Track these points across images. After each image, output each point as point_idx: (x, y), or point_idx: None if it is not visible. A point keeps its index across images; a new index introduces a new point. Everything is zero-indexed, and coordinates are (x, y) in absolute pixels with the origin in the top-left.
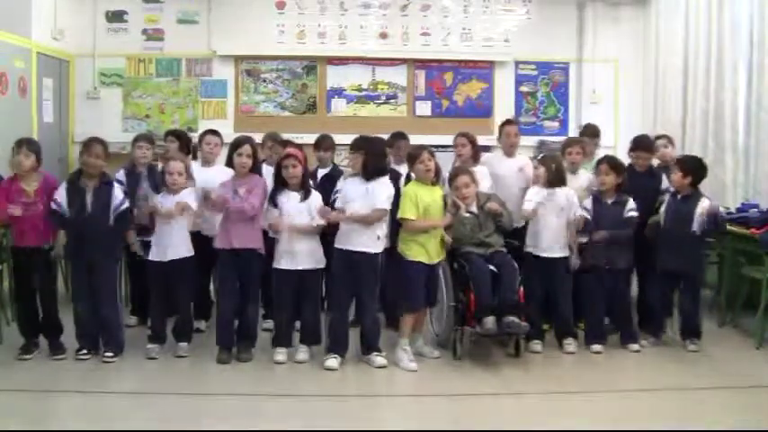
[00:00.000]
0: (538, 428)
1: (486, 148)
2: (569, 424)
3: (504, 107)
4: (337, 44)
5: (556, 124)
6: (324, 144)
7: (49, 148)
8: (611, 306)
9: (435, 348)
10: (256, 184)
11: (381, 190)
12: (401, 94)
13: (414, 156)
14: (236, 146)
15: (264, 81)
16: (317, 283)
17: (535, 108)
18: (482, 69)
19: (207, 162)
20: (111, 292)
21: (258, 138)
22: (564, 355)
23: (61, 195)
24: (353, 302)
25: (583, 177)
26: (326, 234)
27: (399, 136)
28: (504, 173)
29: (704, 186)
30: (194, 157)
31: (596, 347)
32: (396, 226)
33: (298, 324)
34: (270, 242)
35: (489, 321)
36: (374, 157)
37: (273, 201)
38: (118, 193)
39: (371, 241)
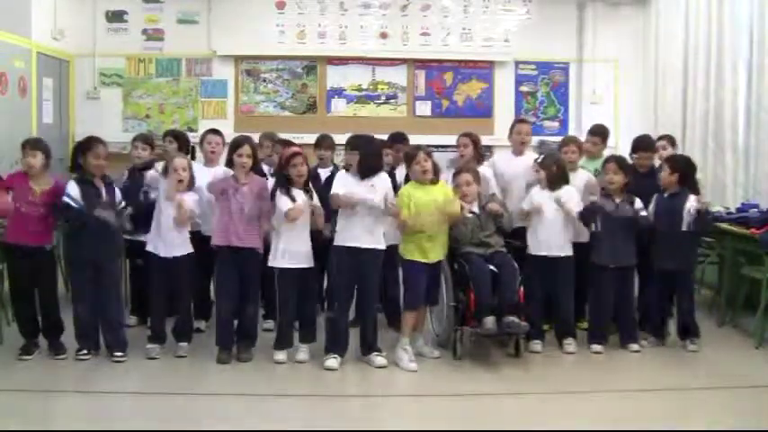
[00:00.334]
0: (538, 428)
1: (487, 149)
2: (569, 424)
3: (504, 107)
4: (337, 44)
5: (556, 124)
6: (324, 143)
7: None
8: (614, 306)
9: (435, 348)
10: (258, 184)
11: (385, 185)
12: (401, 94)
13: (410, 156)
14: (235, 146)
15: (264, 81)
16: (314, 281)
17: (535, 108)
18: (482, 69)
19: (209, 161)
20: (115, 292)
21: (256, 138)
22: (564, 355)
23: (74, 191)
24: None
25: (581, 176)
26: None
27: (398, 138)
28: (514, 172)
29: (704, 186)
30: (193, 158)
31: (596, 348)
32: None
33: (296, 323)
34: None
35: (489, 321)
36: (369, 156)
37: (290, 195)
38: (118, 192)
39: (379, 238)
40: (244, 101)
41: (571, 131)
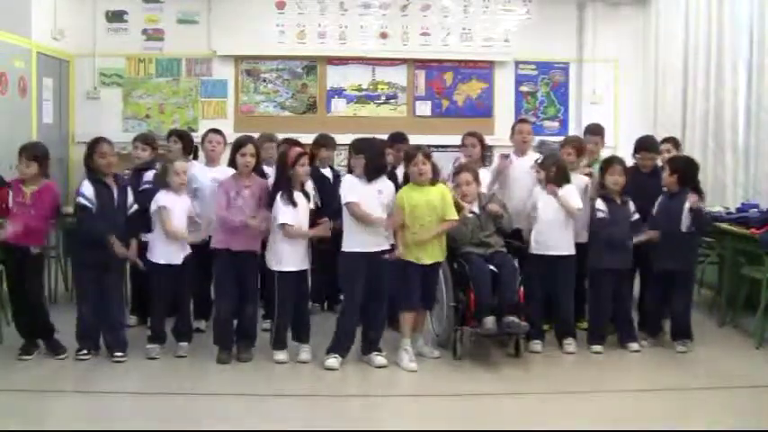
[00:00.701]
0: (538, 428)
1: (489, 149)
2: (569, 424)
3: (504, 107)
4: (337, 44)
5: (556, 124)
6: (329, 144)
7: (49, 148)
8: (613, 306)
9: (435, 348)
10: (259, 186)
11: (390, 191)
12: (401, 94)
13: (410, 156)
14: (238, 146)
15: (264, 81)
16: (312, 282)
17: (535, 108)
18: (482, 69)
19: (211, 161)
20: (119, 293)
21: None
22: (564, 355)
23: (88, 191)
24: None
25: (580, 177)
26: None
27: (399, 138)
28: (517, 172)
29: (704, 186)
30: (195, 157)
31: (596, 348)
32: None
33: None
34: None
35: (489, 321)
36: (374, 158)
37: (292, 200)
38: (130, 194)
39: (383, 240)
40: (244, 101)
41: (571, 131)
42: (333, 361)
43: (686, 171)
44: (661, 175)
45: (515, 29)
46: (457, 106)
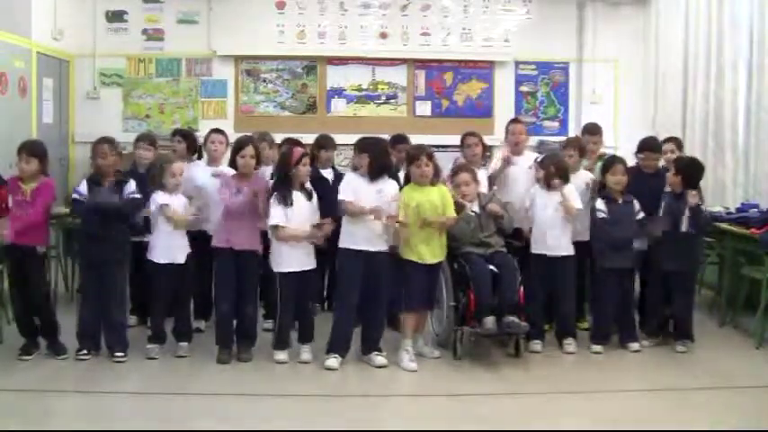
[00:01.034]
0: (538, 428)
1: (489, 149)
2: (569, 424)
3: (504, 107)
4: (337, 44)
5: (556, 124)
6: (329, 144)
7: (49, 148)
8: (618, 305)
9: (435, 348)
10: (259, 185)
11: (392, 190)
12: (401, 94)
13: (412, 156)
14: (238, 147)
15: (264, 81)
16: (315, 282)
17: (535, 108)
18: (482, 69)
19: (213, 161)
20: (120, 293)
21: None
22: (564, 355)
23: (83, 189)
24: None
25: (581, 176)
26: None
27: (400, 140)
28: (512, 172)
29: (704, 186)
30: (200, 157)
31: (596, 348)
32: None
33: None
34: (267, 242)
35: (489, 321)
36: (379, 158)
37: (287, 200)
38: (131, 186)
39: (382, 240)
40: (244, 101)
41: (571, 131)
42: (332, 361)
43: (691, 171)
44: (664, 175)
45: (515, 29)
46: (457, 106)
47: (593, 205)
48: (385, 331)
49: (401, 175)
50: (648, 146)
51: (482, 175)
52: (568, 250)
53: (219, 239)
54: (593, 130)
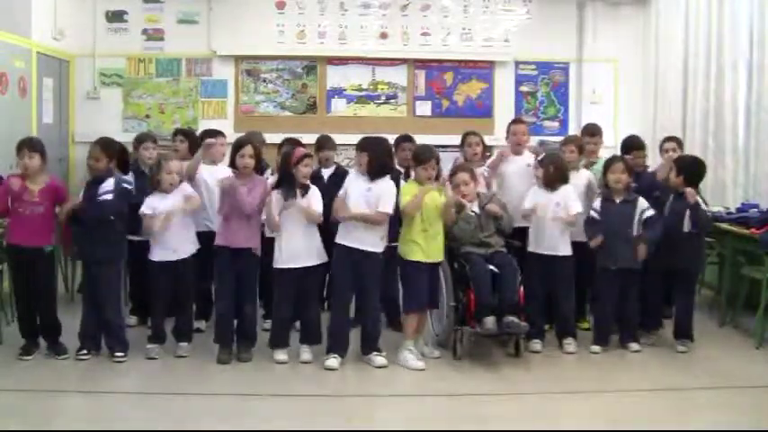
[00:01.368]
0: (538, 428)
1: (489, 149)
2: (569, 424)
3: (504, 107)
4: (337, 44)
5: (556, 124)
6: (327, 144)
7: (49, 148)
8: (619, 306)
9: (435, 348)
10: (258, 185)
11: (384, 192)
12: (401, 94)
13: (421, 159)
14: (237, 147)
15: (264, 81)
16: (317, 280)
17: (535, 108)
18: (482, 69)
19: (213, 161)
20: (111, 294)
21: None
22: (564, 355)
23: (81, 195)
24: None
25: (582, 175)
26: (327, 230)
27: (405, 139)
28: (512, 171)
29: (704, 186)
30: None
31: (595, 348)
32: (396, 226)
33: (297, 323)
34: (268, 241)
35: (489, 321)
36: (379, 157)
37: (287, 199)
38: (105, 185)
39: (374, 241)
40: (244, 101)
41: (571, 131)
42: (332, 361)
43: (693, 171)
44: (652, 172)
45: (515, 29)
46: (457, 106)
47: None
48: (385, 332)
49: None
50: (635, 145)
51: (481, 172)
52: (566, 250)
53: (218, 239)
54: (592, 130)
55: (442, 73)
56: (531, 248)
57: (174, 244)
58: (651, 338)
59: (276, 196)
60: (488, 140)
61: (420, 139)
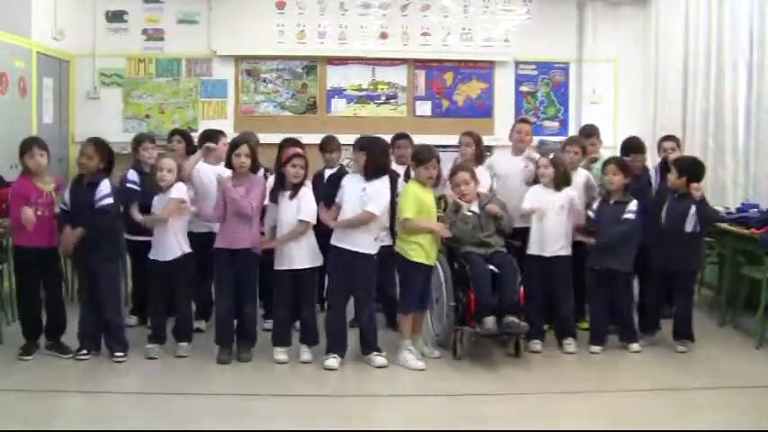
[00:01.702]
0: (538, 428)
1: (487, 149)
2: (569, 424)
3: (504, 107)
4: (337, 44)
5: (556, 124)
6: (330, 146)
7: (49, 148)
8: (613, 306)
9: (435, 348)
10: (255, 184)
11: (375, 193)
12: (401, 94)
13: (422, 159)
14: (233, 146)
15: (264, 81)
16: (313, 282)
17: (535, 108)
18: (482, 69)
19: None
20: (110, 294)
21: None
22: (564, 355)
23: (66, 195)
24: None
25: (581, 174)
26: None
27: (399, 136)
28: (508, 171)
29: (704, 186)
30: None
31: (594, 348)
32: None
33: (297, 324)
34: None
35: (489, 321)
36: (376, 157)
37: (275, 198)
38: (103, 188)
39: (366, 242)
40: (244, 101)
41: (571, 131)
42: (332, 361)
43: (694, 171)
44: (648, 175)
45: (515, 29)
46: (457, 106)
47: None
48: (385, 332)
49: (400, 170)
50: (634, 147)
51: (481, 172)
52: (565, 251)
53: (218, 241)
54: (588, 131)
55: (442, 73)
56: (531, 250)
57: (166, 243)
58: (649, 338)
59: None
60: (488, 141)
61: (420, 139)
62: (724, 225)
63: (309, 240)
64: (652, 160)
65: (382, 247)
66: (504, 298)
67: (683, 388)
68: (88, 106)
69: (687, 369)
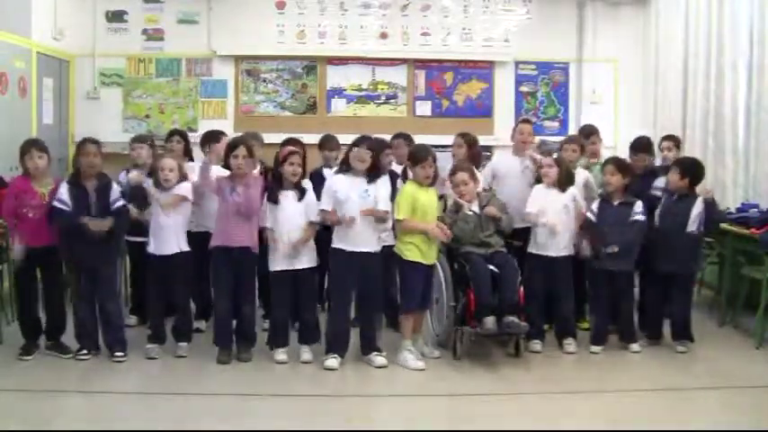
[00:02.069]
0: (538, 428)
1: (487, 149)
2: (569, 424)
3: (504, 107)
4: (337, 44)
5: (556, 124)
6: (329, 144)
7: (49, 148)
8: (614, 307)
9: (435, 348)
10: (254, 184)
11: (382, 192)
12: (401, 94)
13: (418, 158)
14: (231, 148)
15: (264, 81)
16: (313, 281)
17: (535, 108)
18: (482, 69)
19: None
20: (112, 293)
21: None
22: (564, 355)
23: (64, 195)
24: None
25: (581, 175)
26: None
27: (397, 136)
28: (509, 171)
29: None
30: (191, 159)
31: (594, 348)
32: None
33: (296, 324)
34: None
35: (489, 321)
36: (380, 158)
37: (274, 198)
38: (115, 190)
39: (374, 241)
40: (244, 101)
41: (571, 131)
42: (332, 361)
43: (696, 173)
44: (651, 175)
45: (515, 29)
46: (457, 106)
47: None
48: (385, 332)
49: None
50: (641, 147)
51: (482, 175)
52: (566, 251)
53: (216, 239)
54: (588, 131)
55: (442, 73)
56: (531, 249)
57: (165, 239)
58: (651, 342)
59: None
60: (488, 141)
61: (420, 139)
62: (724, 225)
63: (310, 240)
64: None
65: (384, 246)
66: (504, 298)
67: (683, 388)
68: (88, 106)
69: (687, 369)
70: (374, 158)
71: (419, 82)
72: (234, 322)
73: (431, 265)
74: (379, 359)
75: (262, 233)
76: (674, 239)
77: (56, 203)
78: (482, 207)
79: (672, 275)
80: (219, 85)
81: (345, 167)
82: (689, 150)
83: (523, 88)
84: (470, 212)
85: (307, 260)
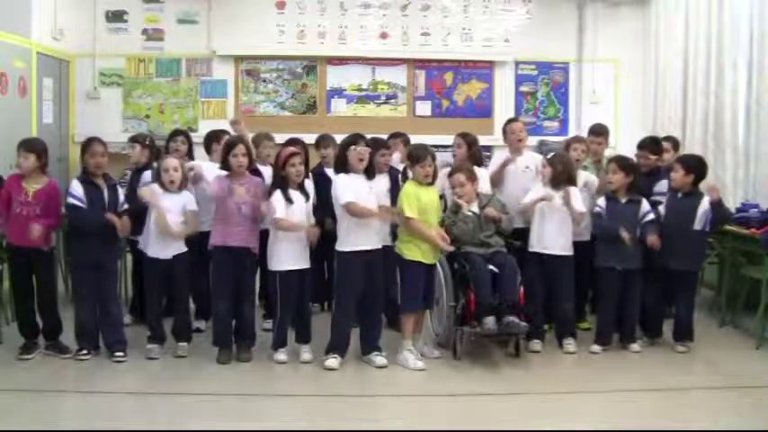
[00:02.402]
0: (538, 428)
1: (487, 149)
2: (569, 424)
3: (504, 107)
4: (337, 44)
5: (556, 124)
6: (324, 142)
7: (49, 148)
8: (619, 306)
9: (435, 348)
10: (253, 185)
11: (382, 189)
12: (401, 94)
13: (417, 158)
14: (230, 147)
15: (264, 81)
16: (312, 280)
17: (535, 108)
18: (482, 69)
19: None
20: (113, 293)
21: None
22: (564, 355)
23: (78, 191)
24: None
25: (580, 176)
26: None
27: (394, 135)
28: (511, 172)
29: (704, 185)
30: (192, 158)
31: (594, 348)
32: (393, 225)
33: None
34: (264, 242)
35: (489, 321)
36: (375, 159)
37: (288, 198)
38: (121, 193)
39: (377, 239)
40: (244, 101)
41: (571, 131)
42: (332, 361)
43: (701, 171)
44: (656, 174)
45: (515, 29)
46: (457, 106)
47: (593, 202)
48: (385, 332)
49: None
50: (652, 146)
51: (483, 174)
52: (567, 250)
53: (215, 239)
54: (597, 130)
55: (442, 73)
56: (531, 248)
57: (160, 242)
58: (651, 340)
59: (277, 196)
60: (488, 141)
61: (420, 139)
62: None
63: (301, 241)
64: None
65: (384, 246)
66: (504, 298)
67: (682, 388)
68: (88, 106)
69: (687, 369)
70: (369, 157)
71: (419, 82)
72: (234, 322)
73: (431, 265)
74: (379, 359)
75: (262, 233)
76: (681, 237)
77: (72, 200)
78: (482, 207)
79: (676, 273)
80: (219, 85)
81: (345, 168)
82: (689, 150)
83: (523, 88)
84: (470, 213)
85: (307, 261)
